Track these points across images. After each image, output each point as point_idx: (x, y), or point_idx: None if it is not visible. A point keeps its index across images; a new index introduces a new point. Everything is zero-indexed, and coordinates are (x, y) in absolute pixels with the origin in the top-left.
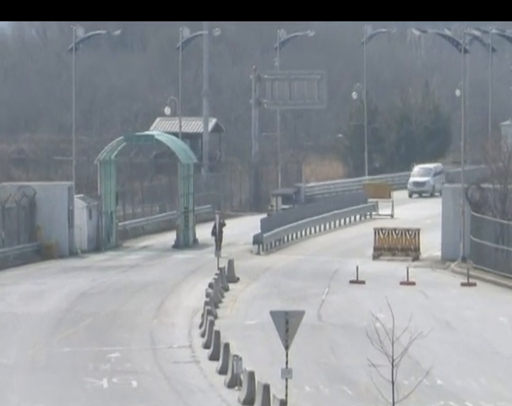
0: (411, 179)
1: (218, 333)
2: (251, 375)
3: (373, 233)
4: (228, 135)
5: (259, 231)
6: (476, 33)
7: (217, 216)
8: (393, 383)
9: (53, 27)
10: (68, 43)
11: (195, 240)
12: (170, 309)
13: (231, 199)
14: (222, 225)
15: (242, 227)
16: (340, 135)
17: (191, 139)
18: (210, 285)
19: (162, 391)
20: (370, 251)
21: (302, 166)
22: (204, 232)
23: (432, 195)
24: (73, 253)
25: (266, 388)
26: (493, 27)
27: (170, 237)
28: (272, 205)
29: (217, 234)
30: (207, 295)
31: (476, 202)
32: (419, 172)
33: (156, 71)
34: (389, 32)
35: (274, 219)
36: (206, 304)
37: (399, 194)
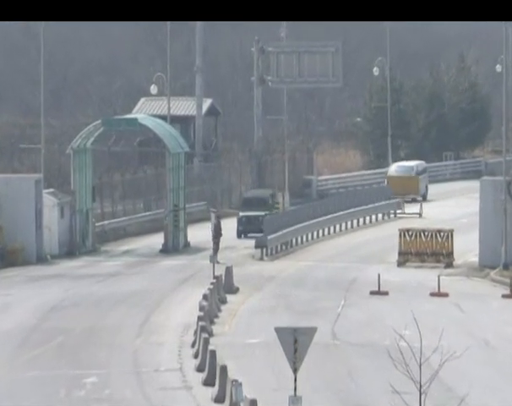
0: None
1: (214, 353)
2: (253, 405)
3: (397, 234)
4: (226, 119)
5: (263, 232)
6: None
7: (213, 215)
8: None
9: None
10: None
11: (187, 244)
12: (156, 326)
13: (230, 194)
14: (218, 224)
15: None
16: (359, 119)
17: (182, 123)
18: (205, 296)
19: None
20: (394, 256)
21: (314, 155)
22: (197, 233)
23: (413, 200)
24: (41, 259)
25: None
26: None
27: (157, 240)
28: (278, 202)
29: (212, 236)
30: (201, 309)
31: None
32: (396, 172)
33: (140, 42)
34: None
35: (280, 218)
36: (200, 319)
37: (429, 189)
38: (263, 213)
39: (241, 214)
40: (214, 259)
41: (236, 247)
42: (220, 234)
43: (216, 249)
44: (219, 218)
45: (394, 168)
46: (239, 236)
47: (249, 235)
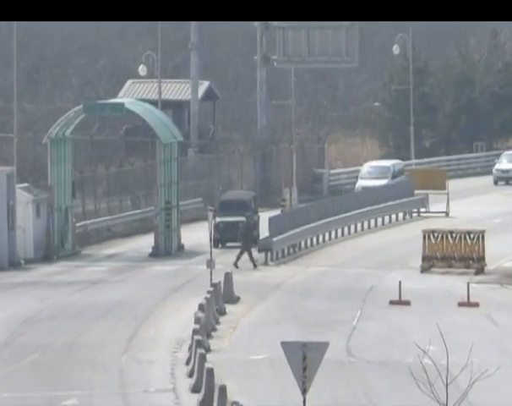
0: (361, 184)
1: (211, 372)
2: None
3: (421, 236)
4: (225, 104)
5: (267, 234)
6: None
7: (210, 214)
8: None
9: None
10: None
11: (180, 246)
12: (146, 341)
13: (230, 189)
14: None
15: None
16: (377, 104)
17: (175, 109)
18: (201, 307)
19: None
20: (418, 261)
21: (325, 145)
22: (192, 235)
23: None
24: (14, 263)
25: None
26: None
27: (146, 242)
28: (285, 199)
29: (211, 238)
30: (196, 321)
31: None
32: (370, 173)
33: None
34: None
35: (287, 218)
36: (195, 332)
37: (457, 184)
38: (243, 219)
39: (218, 219)
40: (211, 264)
41: (237, 250)
42: (251, 239)
43: (250, 255)
44: (248, 218)
45: (366, 170)
46: (216, 245)
47: (228, 245)
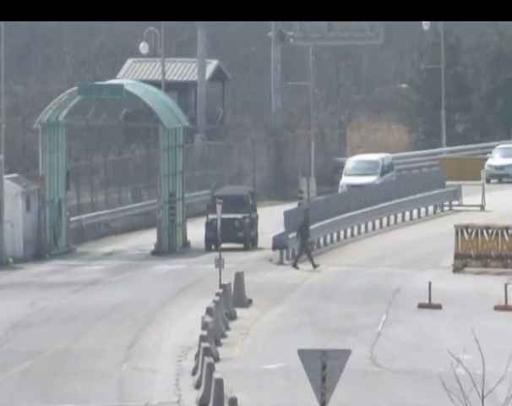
0: (346, 181)
1: (220, 383)
2: None
3: (453, 232)
4: (236, 85)
5: (282, 229)
6: None
7: (219, 207)
8: None
9: None
10: None
11: (186, 243)
12: (147, 348)
13: (241, 180)
14: (306, 221)
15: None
16: (405, 85)
17: (180, 91)
18: (209, 311)
19: None
20: (449, 260)
21: (347, 131)
22: (198, 231)
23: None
24: (1, 262)
25: None
26: None
27: (148, 238)
28: (302, 191)
29: (218, 234)
30: (204, 326)
31: None
32: (356, 169)
33: None
34: None
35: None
36: (202, 339)
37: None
38: (240, 216)
39: (210, 217)
40: (220, 263)
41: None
42: (308, 235)
43: (308, 253)
44: (306, 212)
45: (351, 165)
46: (208, 247)
47: (223, 246)
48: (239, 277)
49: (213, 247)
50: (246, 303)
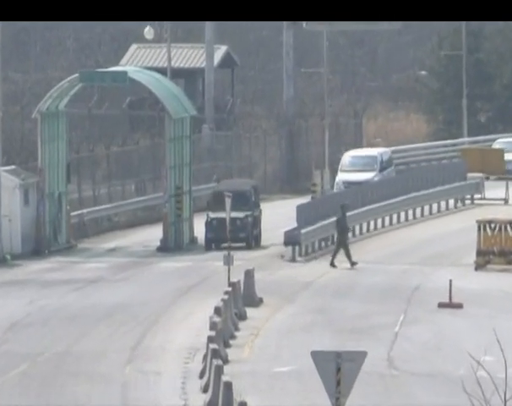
0: (342, 177)
1: (229, 386)
2: None
3: (475, 227)
4: (246, 73)
5: (295, 224)
6: None
7: (228, 201)
8: None
9: None
10: None
11: (193, 239)
12: (152, 350)
13: (251, 173)
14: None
15: (269, 218)
16: (424, 72)
17: (187, 78)
18: (217, 311)
19: None
20: (471, 257)
21: (363, 120)
22: None
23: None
24: None
25: None
26: None
27: (153, 234)
28: (315, 184)
29: (228, 229)
30: (212, 327)
31: None
32: (352, 165)
33: None
34: None
35: (317, 206)
36: (210, 340)
37: None
38: (242, 214)
39: (210, 215)
40: (229, 259)
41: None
42: (348, 229)
43: (347, 250)
44: (344, 208)
45: (347, 160)
46: (208, 247)
47: (223, 246)
48: (249, 274)
49: (213, 247)
50: (256, 302)
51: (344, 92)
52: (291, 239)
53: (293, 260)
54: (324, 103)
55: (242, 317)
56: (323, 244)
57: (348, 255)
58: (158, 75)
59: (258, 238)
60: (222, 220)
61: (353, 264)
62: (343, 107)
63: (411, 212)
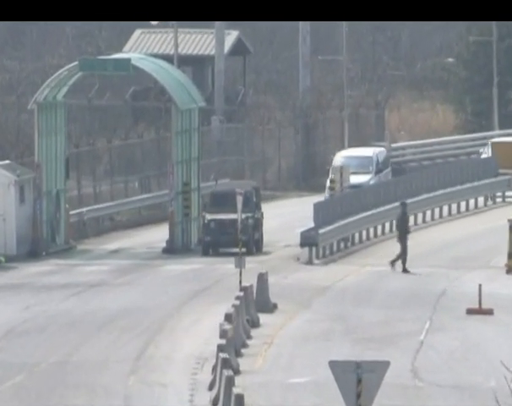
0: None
1: (241, 399)
2: None
3: (507, 227)
4: (259, 60)
5: (312, 224)
6: None
7: (240, 199)
8: None
9: None
10: None
11: (201, 240)
12: (158, 359)
13: (265, 168)
14: (404, 216)
15: (284, 218)
16: (451, 60)
17: (195, 66)
18: (228, 317)
19: None
20: (502, 259)
21: (386, 112)
22: None
23: None
24: None
25: None
26: None
27: (158, 234)
28: (334, 181)
29: (239, 229)
30: (222, 335)
31: None
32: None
33: None
34: None
35: (337, 204)
36: (220, 349)
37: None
38: (243, 216)
39: (208, 217)
40: (241, 262)
41: (273, 244)
42: (407, 231)
43: (404, 255)
44: (404, 207)
45: (339, 162)
46: (205, 251)
47: (222, 250)
48: (262, 278)
49: (210, 251)
50: (270, 308)
51: (364, 82)
52: (307, 240)
53: (310, 262)
54: (342, 93)
55: (255, 324)
56: (342, 245)
57: (399, 256)
58: (164, 63)
59: (259, 243)
60: (221, 222)
61: (393, 265)
62: (363, 98)
63: (437, 211)
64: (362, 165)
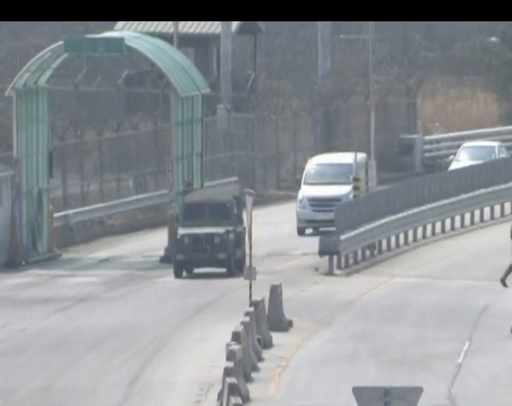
0: (307, 193)
1: None
2: None
3: None
4: (271, 41)
5: (332, 229)
6: None
7: (249, 200)
8: None
9: None
10: None
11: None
12: (155, 385)
13: (278, 165)
14: None
15: None
16: (494, 39)
17: (198, 47)
18: (236, 337)
19: None
20: None
21: (418, 100)
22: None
23: None
24: None
25: None
26: None
27: (156, 241)
28: (358, 179)
29: (250, 235)
30: (229, 357)
31: None
32: (320, 176)
33: None
34: None
35: (362, 206)
36: (228, 373)
37: None
38: (222, 230)
39: (181, 232)
40: (251, 273)
41: (288, 252)
42: None
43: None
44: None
45: (312, 169)
46: (178, 272)
47: (196, 271)
48: (275, 291)
49: (184, 273)
50: (284, 325)
51: (394, 65)
52: (327, 248)
53: (330, 273)
54: (368, 78)
55: (267, 345)
56: (367, 253)
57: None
58: (162, 43)
59: (241, 262)
60: (196, 237)
61: (505, 284)
62: (392, 84)
63: (477, 213)
64: (341, 174)
